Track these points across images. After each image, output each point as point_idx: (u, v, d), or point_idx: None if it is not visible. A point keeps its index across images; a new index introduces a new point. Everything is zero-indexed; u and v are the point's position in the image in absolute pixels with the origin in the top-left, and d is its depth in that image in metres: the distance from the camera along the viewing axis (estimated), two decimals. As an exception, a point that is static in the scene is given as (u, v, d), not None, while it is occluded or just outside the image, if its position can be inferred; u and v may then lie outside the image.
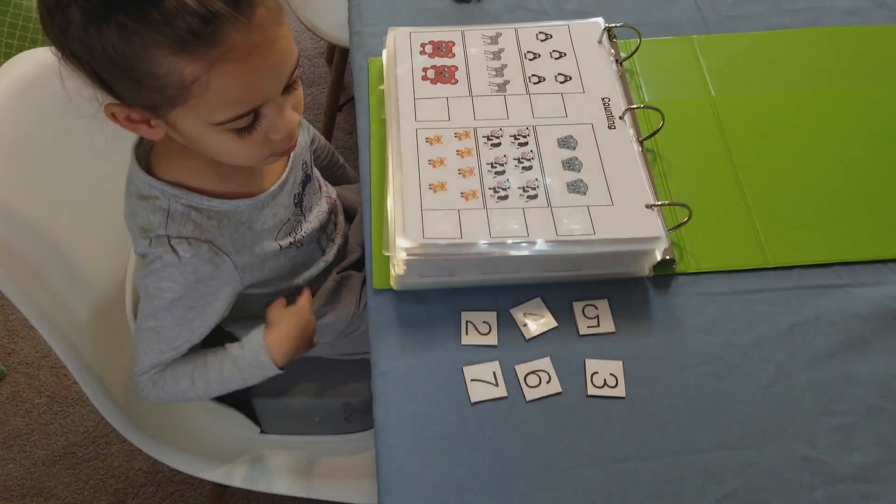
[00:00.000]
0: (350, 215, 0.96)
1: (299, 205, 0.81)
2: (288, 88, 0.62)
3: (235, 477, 0.95)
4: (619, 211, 0.72)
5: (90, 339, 0.85)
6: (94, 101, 0.59)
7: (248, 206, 0.73)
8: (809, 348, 0.71)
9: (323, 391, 0.96)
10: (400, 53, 0.84)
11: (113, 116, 0.60)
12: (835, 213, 0.80)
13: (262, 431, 0.97)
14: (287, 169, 0.78)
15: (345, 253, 0.93)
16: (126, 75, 0.54)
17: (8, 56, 1.81)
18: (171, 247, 0.68)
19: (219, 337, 0.82)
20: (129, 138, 0.88)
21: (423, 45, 0.85)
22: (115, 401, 0.88)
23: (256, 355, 0.77)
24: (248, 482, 0.94)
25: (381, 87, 0.89)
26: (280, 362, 0.78)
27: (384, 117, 0.86)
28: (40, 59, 0.81)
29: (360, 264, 0.92)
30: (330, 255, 0.89)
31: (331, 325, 0.87)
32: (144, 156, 0.72)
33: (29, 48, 1.13)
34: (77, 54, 0.55)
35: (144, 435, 0.92)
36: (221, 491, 1.25)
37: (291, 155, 0.78)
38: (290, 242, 0.80)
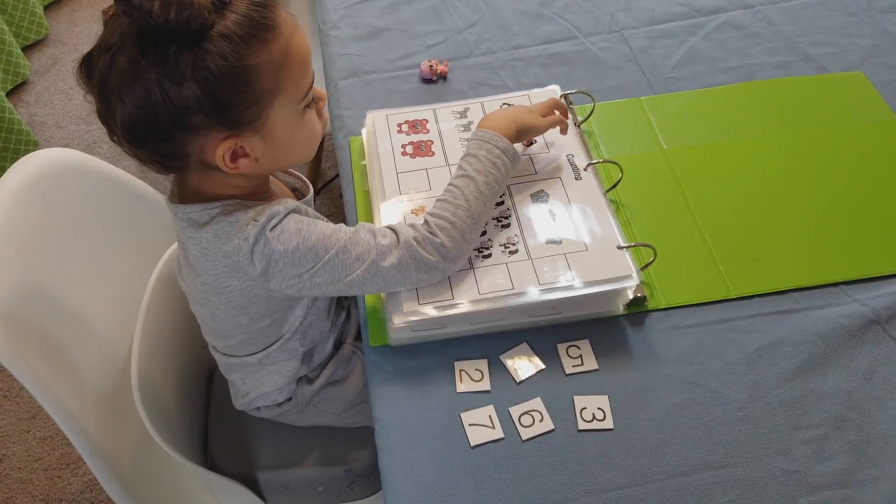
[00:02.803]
0: None
1: None
2: None
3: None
4: (593, 254, 0.79)
5: (97, 421, 0.87)
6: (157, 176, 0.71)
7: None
8: (777, 369, 0.77)
9: (325, 460, 0.98)
10: (379, 133, 0.92)
11: (221, 158, 0.68)
12: (785, 244, 0.87)
13: None
14: (310, 192, 0.86)
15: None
16: (241, 81, 0.64)
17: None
18: (272, 211, 0.71)
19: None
20: (135, 235, 0.94)
21: (399, 124, 0.93)
22: (123, 480, 0.89)
23: (477, 135, 0.81)
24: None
25: (362, 163, 0.96)
26: (500, 128, 0.81)
27: (367, 189, 0.93)
28: (45, 159, 0.87)
29: None
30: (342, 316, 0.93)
31: (340, 396, 0.91)
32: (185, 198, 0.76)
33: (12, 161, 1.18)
34: (198, 80, 0.62)
35: None
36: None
37: (310, 193, 0.86)
38: None
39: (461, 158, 0.81)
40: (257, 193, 0.77)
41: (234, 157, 0.69)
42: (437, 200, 0.77)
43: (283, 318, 0.82)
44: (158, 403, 0.91)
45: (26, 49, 2.32)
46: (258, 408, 0.94)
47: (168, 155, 0.67)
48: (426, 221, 0.76)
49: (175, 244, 0.96)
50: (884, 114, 1.00)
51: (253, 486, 0.98)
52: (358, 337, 0.96)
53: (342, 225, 0.75)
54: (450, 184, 0.78)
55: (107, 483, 0.86)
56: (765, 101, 1.03)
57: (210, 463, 1.01)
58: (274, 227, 0.70)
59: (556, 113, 0.89)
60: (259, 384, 0.89)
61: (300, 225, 0.71)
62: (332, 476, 0.98)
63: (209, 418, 1.05)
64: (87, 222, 0.93)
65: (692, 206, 0.91)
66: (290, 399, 0.92)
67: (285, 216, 0.71)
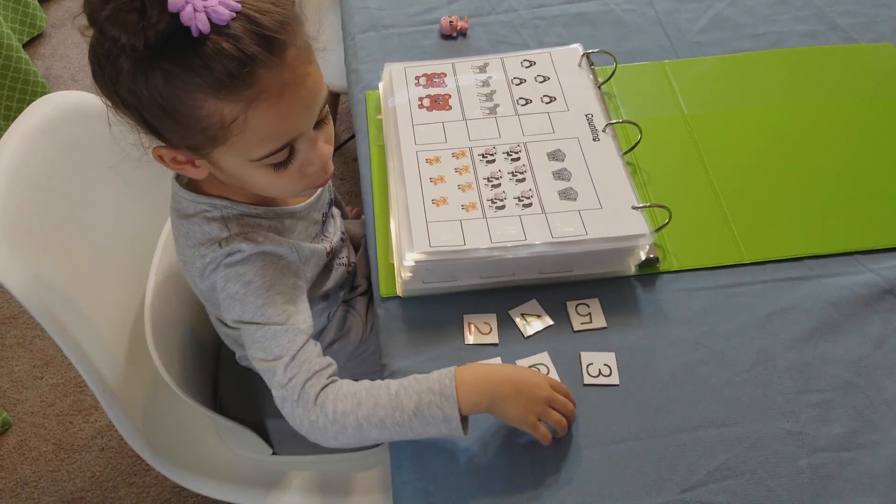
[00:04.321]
0: (355, 247, 1.00)
1: (324, 223, 0.86)
2: (319, 123, 0.65)
3: (249, 498, 0.97)
4: (607, 213, 0.78)
5: (111, 365, 0.88)
6: (139, 146, 0.64)
7: (289, 214, 0.77)
8: (787, 333, 0.77)
9: None
10: (396, 86, 0.92)
11: (160, 158, 0.65)
12: (803, 211, 0.87)
13: (273, 453, 1.00)
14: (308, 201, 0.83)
15: (354, 282, 0.98)
16: (171, 118, 0.59)
17: (8, 118, 1.89)
18: (244, 238, 0.68)
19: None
20: (147, 181, 0.95)
21: (417, 77, 0.93)
22: (135, 422, 0.91)
23: (441, 379, 0.65)
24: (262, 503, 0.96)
25: (378, 117, 0.96)
26: (466, 397, 0.64)
27: (382, 144, 0.93)
28: (60, 101, 0.88)
29: (365, 295, 0.98)
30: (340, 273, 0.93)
31: (342, 350, 0.92)
32: (185, 183, 0.74)
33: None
34: (126, 101, 0.59)
35: (161, 458, 0.94)
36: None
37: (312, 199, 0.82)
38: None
39: (414, 377, 0.66)
40: (252, 199, 0.73)
41: (177, 161, 0.65)
42: (356, 386, 0.67)
43: None
44: (171, 349, 0.92)
45: (43, 2, 2.32)
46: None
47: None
48: (325, 387, 0.66)
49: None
50: (910, 85, 0.99)
51: (261, 432, 0.99)
52: (350, 291, 0.96)
53: (292, 313, 0.69)
54: (379, 385, 0.67)
55: (120, 423, 0.88)
56: (790, 70, 1.02)
57: (220, 409, 1.03)
58: (231, 264, 0.68)
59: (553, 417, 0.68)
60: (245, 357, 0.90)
61: (252, 279, 0.68)
62: None
63: (219, 366, 1.06)
64: (101, 165, 0.93)
65: (710, 170, 0.91)
66: None
67: (248, 256, 0.68)
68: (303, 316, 0.70)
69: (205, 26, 0.53)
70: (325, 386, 0.67)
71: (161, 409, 0.97)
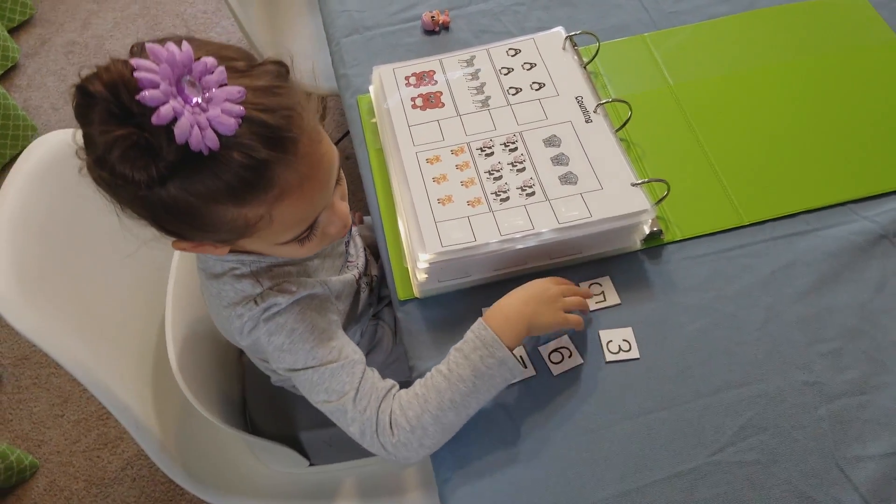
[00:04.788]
0: (374, 254, 0.99)
1: (347, 250, 0.88)
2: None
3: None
4: (608, 193, 0.81)
5: (139, 398, 0.87)
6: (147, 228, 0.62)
7: (314, 256, 0.77)
8: (791, 289, 0.81)
9: None
10: (387, 88, 0.93)
11: (181, 248, 0.64)
12: (793, 168, 0.89)
13: (311, 464, 1.02)
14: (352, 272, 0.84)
15: (381, 292, 0.98)
16: (191, 226, 0.58)
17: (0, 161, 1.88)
18: (278, 291, 0.68)
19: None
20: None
21: (406, 77, 0.94)
22: (170, 453, 0.91)
23: (477, 334, 0.70)
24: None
25: (373, 120, 0.98)
26: (506, 335, 0.69)
27: (380, 147, 0.95)
28: (54, 142, 0.88)
29: (391, 306, 0.97)
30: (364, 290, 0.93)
31: (373, 362, 0.94)
32: None
33: (21, 149, 1.16)
34: (140, 214, 0.58)
35: (201, 484, 0.94)
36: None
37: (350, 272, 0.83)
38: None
39: (453, 348, 0.71)
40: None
41: (197, 247, 0.64)
42: (413, 388, 0.70)
43: None
44: (196, 374, 0.93)
45: (13, 31, 2.29)
46: (294, 386, 0.96)
47: None
48: (392, 407, 0.69)
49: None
50: (885, 34, 1.01)
51: (296, 445, 1.00)
52: (378, 302, 0.98)
53: (343, 347, 0.71)
54: (431, 376, 0.70)
55: (156, 455, 0.87)
56: (767, 30, 1.04)
57: (251, 427, 1.04)
58: (269, 318, 0.68)
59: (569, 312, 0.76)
60: (283, 381, 0.92)
61: (296, 326, 0.68)
62: None
63: (246, 385, 1.08)
64: (102, 200, 0.94)
65: (701, 138, 0.93)
66: None
67: (286, 307, 0.68)
68: (351, 346, 0.72)
69: (214, 144, 0.52)
70: (392, 406, 0.69)
71: (193, 435, 0.98)
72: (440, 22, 1.06)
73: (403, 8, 1.10)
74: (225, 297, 0.70)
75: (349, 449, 1.01)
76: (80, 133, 0.55)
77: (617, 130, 0.89)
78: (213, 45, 0.57)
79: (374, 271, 0.95)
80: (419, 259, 0.78)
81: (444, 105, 0.91)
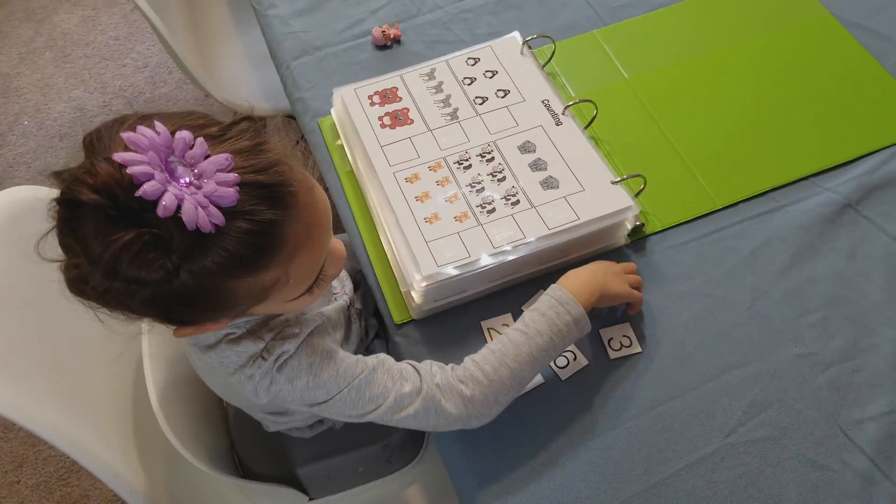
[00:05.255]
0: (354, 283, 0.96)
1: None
2: None
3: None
4: (590, 193, 0.82)
5: (125, 461, 0.83)
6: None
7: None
8: (772, 266, 0.84)
9: (361, 442, 0.98)
10: (352, 110, 0.91)
11: (183, 333, 0.60)
12: (755, 148, 0.93)
13: (310, 499, 0.99)
14: (343, 296, 0.82)
15: (366, 325, 0.95)
16: (206, 308, 0.55)
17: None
18: (282, 339, 0.65)
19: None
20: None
21: (370, 97, 0.93)
22: None
23: (554, 294, 0.74)
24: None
25: (338, 143, 0.96)
26: (582, 296, 0.73)
27: (350, 169, 0.93)
28: (6, 200, 0.82)
29: (381, 338, 0.96)
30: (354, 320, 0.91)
31: None
32: None
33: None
34: (142, 312, 0.54)
35: None
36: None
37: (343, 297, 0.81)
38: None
39: (528, 310, 0.74)
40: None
41: (200, 328, 0.60)
42: (486, 348, 0.71)
43: None
44: (180, 423, 0.89)
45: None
46: (289, 429, 0.93)
47: None
48: (463, 365, 0.70)
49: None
50: (817, 10, 1.06)
51: (294, 483, 0.98)
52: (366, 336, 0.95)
53: (360, 357, 0.70)
54: (506, 334, 0.72)
55: None
56: (708, 16, 1.07)
57: (244, 470, 1.01)
58: (282, 365, 0.65)
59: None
60: (288, 423, 0.88)
61: (312, 360, 0.66)
62: (370, 455, 0.98)
63: (231, 427, 1.04)
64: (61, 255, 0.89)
65: (664, 128, 0.95)
66: (321, 421, 0.92)
67: (295, 352, 0.66)
68: (363, 355, 0.71)
69: (220, 220, 0.49)
70: (453, 367, 0.70)
71: (185, 487, 0.94)
72: (391, 36, 1.05)
73: (350, 25, 1.08)
74: (228, 364, 0.66)
75: (349, 478, 1.00)
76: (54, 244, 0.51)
77: (585, 127, 0.90)
78: (172, 115, 0.54)
79: (358, 304, 0.93)
80: (415, 281, 0.77)
81: (412, 121, 0.90)
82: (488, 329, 0.81)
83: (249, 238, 0.51)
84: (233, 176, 0.50)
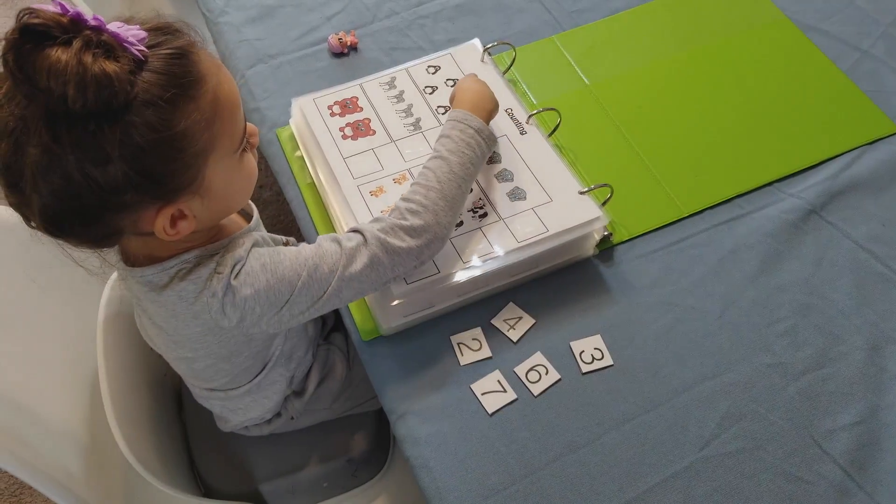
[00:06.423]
0: None
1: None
2: None
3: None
4: (558, 204, 0.80)
5: (87, 482, 0.80)
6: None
7: (244, 233, 0.73)
8: (740, 273, 0.84)
9: (325, 456, 0.97)
10: (312, 121, 0.88)
11: (162, 230, 0.62)
12: (719, 154, 0.93)
13: None
14: (255, 212, 0.80)
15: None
16: (171, 154, 0.58)
17: None
18: (230, 253, 0.67)
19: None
20: (69, 283, 0.86)
21: (329, 107, 0.89)
22: None
23: (454, 117, 0.79)
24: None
25: (297, 154, 0.92)
26: (479, 113, 0.80)
27: (310, 181, 0.90)
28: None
29: (339, 330, 0.95)
30: None
31: (328, 391, 0.90)
32: (139, 263, 0.69)
33: None
34: (122, 173, 0.56)
35: None
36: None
37: (255, 213, 0.80)
38: None
39: (436, 141, 0.78)
40: (212, 238, 0.70)
41: (173, 222, 0.63)
42: (411, 185, 0.74)
43: (265, 351, 0.79)
44: (141, 444, 0.86)
45: None
46: (247, 427, 0.91)
47: (98, 236, 0.61)
48: (396, 207, 0.73)
49: (111, 280, 0.89)
50: (772, 14, 1.07)
51: (258, 500, 0.95)
52: (332, 329, 0.94)
53: (304, 244, 0.71)
54: (423, 166, 0.75)
55: None
56: (666, 20, 1.07)
57: (205, 487, 0.98)
58: (238, 273, 0.66)
59: None
60: (245, 411, 0.86)
61: (263, 260, 0.67)
62: (335, 469, 0.97)
63: (191, 444, 1.00)
64: (15, 282, 0.83)
65: (627, 135, 0.95)
66: (279, 414, 0.90)
67: (247, 258, 0.67)
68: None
69: (140, 35, 0.56)
70: (390, 213, 0.73)
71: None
72: (348, 43, 1.01)
73: (305, 32, 1.05)
74: (188, 295, 0.66)
75: (314, 493, 0.98)
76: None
77: (549, 135, 0.88)
78: None
79: None
80: (385, 298, 0.74)
81: (374, 132, 0.87)
82: (458, 344, 0.79)
83: (172, 65, 0.57)
84: (132, 28, 0.56)
